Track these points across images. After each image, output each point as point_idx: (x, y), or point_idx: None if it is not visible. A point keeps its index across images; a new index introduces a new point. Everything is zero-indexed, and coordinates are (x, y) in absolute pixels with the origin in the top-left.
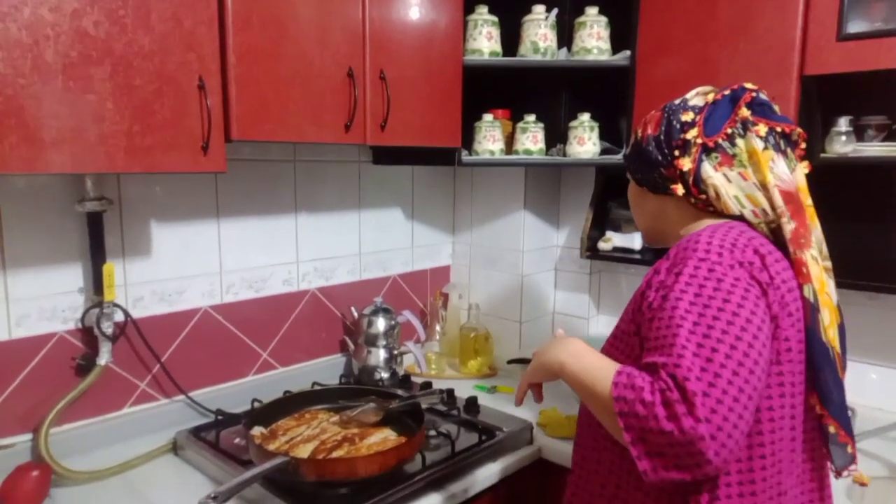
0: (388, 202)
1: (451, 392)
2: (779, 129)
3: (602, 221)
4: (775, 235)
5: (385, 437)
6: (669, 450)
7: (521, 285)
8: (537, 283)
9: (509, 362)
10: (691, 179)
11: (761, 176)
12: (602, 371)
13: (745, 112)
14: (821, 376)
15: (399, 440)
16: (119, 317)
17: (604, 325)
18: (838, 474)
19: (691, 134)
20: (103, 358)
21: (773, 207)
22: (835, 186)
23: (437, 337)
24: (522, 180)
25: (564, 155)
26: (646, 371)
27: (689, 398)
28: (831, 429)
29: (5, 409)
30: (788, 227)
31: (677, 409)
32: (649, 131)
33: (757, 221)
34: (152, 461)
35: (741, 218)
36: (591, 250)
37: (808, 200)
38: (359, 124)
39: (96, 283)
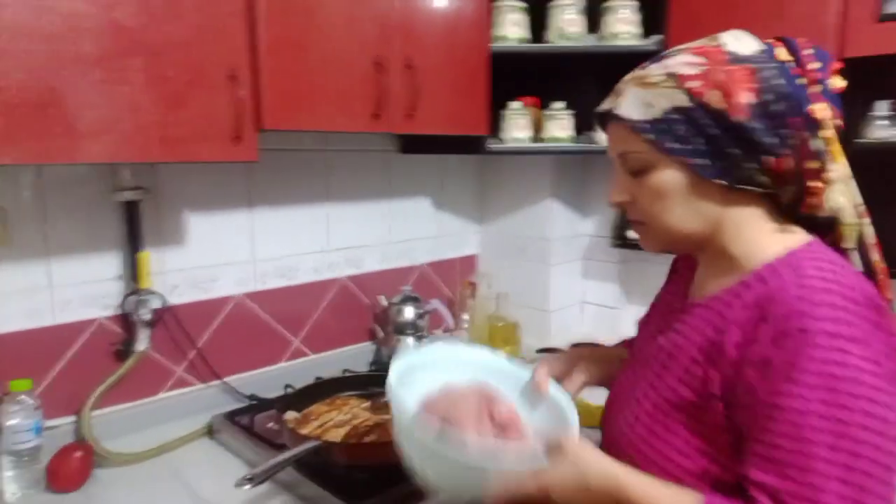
0: (416, 191)
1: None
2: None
3: None
4: (864, 235)
5: None
6: None
7: (549, 275)
8: (565, 272)
9: (538, 351)
10: (816, 185)
11: (846, 161)
12: (679, 501)
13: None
14: None
15: None
16: (156, 304)
17: (634, 315)
18: None
19: (824, 111)
20: (141, 344)
21: (858, 205)
22: (872, 173)
23: (465, 326)
24: (550, 168)
25: (593, 142)
26: (743, 498)
27: None
28: None
29: (50, 393)
30: (869, 229)
31: None
32: (743, 97)
33: (851, 223)
34: (189, 444)
35: (828, 225)
36: (621, 239)
37: None
38: (386, 113)
39: (133, 271)
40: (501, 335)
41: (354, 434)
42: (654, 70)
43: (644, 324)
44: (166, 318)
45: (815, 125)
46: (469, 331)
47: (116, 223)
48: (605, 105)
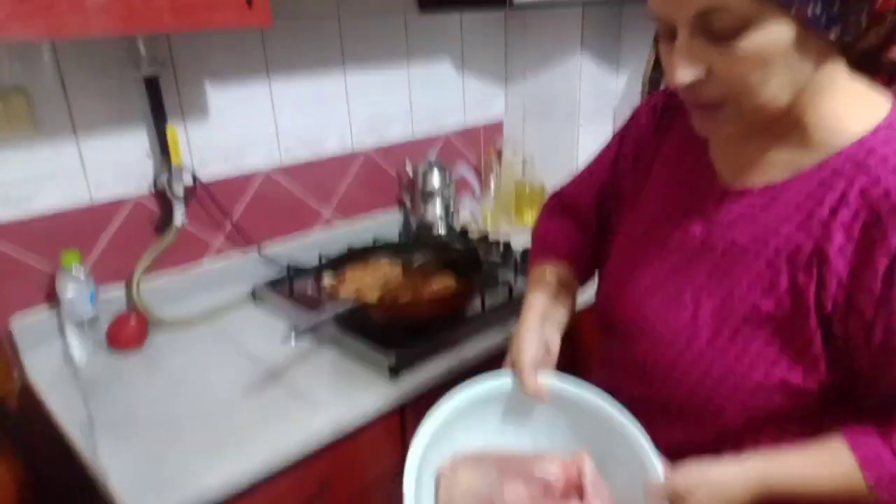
0: (437, 54)
1: (507, 244)
2: None
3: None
4: None
5: (446, 284)
6: None
7: (578, 135)
8: (595, 132)
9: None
10: None
11: None
12: (834, 472)
13: None
14: None
15: (460, 286)
16: (188, 179)
17: None
18: None
19: None
20: (178, 219)
21: None
22: None
23: (492, 192)
24: (579, 21)
25: None
26: (883, 432)
27: None
28: None
29: (99, 265)
30: None
31: None
32: None
33: None
34: (235, 310)
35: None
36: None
37: None
38: None
39: (162, 147)
40: (528, 199)
41: (389, 294)
42: None
43: (644, 213)
44: (199, 192)
45: None
46: (495, 197)
47: (140, 101)
48: None
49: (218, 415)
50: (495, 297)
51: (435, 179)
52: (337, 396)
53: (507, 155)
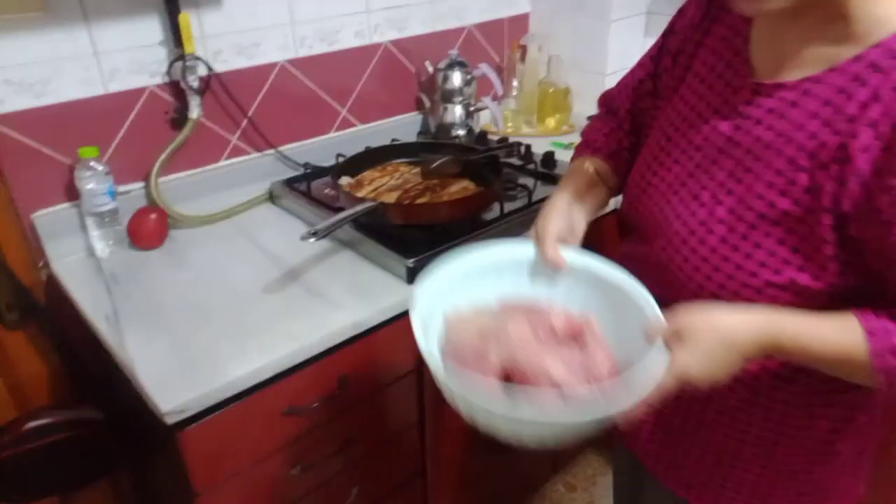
0: None
1: (528, 147)
2: None
3: None
4: None
5: (465, 187)
6: None
7: (609, 32)
8: (627, 28)
9: (590, 118)
10: None
11: None
12: (842, 339)
13: None
14: None
15: (478, 189)
16: (202, 70)
17: None
18: None
19: None
20: (194, 112)
21: None
22: None
23: (514, 93)
24: None
25: None
26: None
27: None
28: None
29: (116, 159)
30: None
31: None
32: None
33: None
34: (253, 208)
35: None
36: None
37: None
38: None
39: (175, 35)
40: (552, 102)
41: (406, 196)
42: None
43: (673, 108)
44: (214, 85)
45: None
46: (518, 98)
47: None
48: None
49: (240, 308)
50: (514, 202)
51: (455, 78)
52: (355, 296)
53: (531, 52)
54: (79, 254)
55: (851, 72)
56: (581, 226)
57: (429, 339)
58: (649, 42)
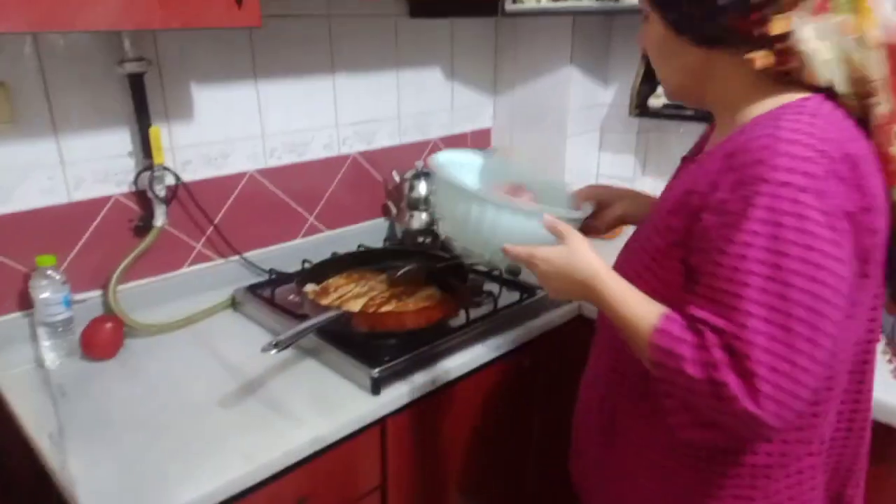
0: (427, 60)
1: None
2: None
3: (654, 76)
4: (864, 112)
5: (430, 294)
6: (718, 417)
7: (566, 146)
8: (583, 143)
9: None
10: (781, 46)
11: (861, 24)
12: (643, 309)
13: None
14: None
15: (444, 297)
16: (170, 180)
17: (649, 186)
18: None
19: None
20: (159, 220)
21: (868, 79)
22: None
23: None
24: (570, 32)
25: (617, 1)
26: (694, 329)
27: (749, 378)
28: None
29: (75, 268)
30: (881, 108)
31: (732, 391)
32: None
33: (848, 93)
34: (214, 316)
35: (825, 89)
36: (641, 107)
37: None
38: None
39: (144, 147)
40: None
41: (372, 305)
42: None
43: None
44: (181, 194)
45: None
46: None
47: (123, 97)
48: None
49: (193, 425)
50: (480, 308)
51: (421, 188)
52: (316, 409)
53: None
54: (27, 365)
55: (720, 143)
56: (617, 212)
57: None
58: (603, 156)
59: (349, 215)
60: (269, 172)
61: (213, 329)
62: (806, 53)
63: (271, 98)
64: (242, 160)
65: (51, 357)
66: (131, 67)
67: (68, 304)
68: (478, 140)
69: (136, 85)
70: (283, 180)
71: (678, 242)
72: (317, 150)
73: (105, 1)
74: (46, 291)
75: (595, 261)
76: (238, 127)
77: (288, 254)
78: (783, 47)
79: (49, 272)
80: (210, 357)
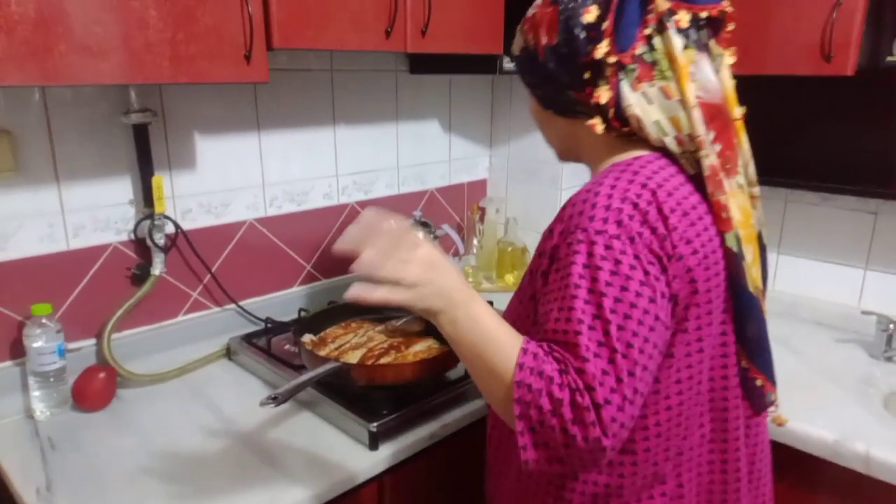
0: (426, 114)
1: (490, 304)
2: (703, 16)
3: None
4: (698, 166)
5: (429, 346)
6: (564, 450)
7: (559, 199)
8: None
9: None
10: (612, 112)
11: (681, 88)
12: (505, 344)
13: (662, 1)
14: (749, 329)
15: (442, 349)
16: (169, 228)
17: None
18: (756, 414)
19: (602, 51)
20: (157, 268)
21: (693, 136)
22: None
23: (475, 251)
24: None
25: None
26: (551, 357)
27: (596, 406)
28: (758, 382)
29: (70, 316)
30: (708, 161)
31: (585, 416)
32: (544, 40)
33: (681, 151)
34: (208, 365)
35: (664, 147)
36: None
37: (736, 111)
38: (399, 30)
39: (146, 196)
40: (510, 260)
41: (371, 356)
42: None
43: None
44: (180, 242)
45: (598, 64)
46: (478, 255)
47: (126, 146)
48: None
49: (186, 480)
50: None
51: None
52: (312, 465)
53: (490, 214)
54: (15, 416)
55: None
56: None
57: None
58: None
59: (347, 263)
60: (268, 221)
61: (208, 379)
62: (637, 117)
63: (273, 148)
64: (242, 209)
65: (40, 407)
66: (136, 118)
67: (62, 353)
68: (474, 190)
69: (141, 135)
70: (282, 229)
71: (532, 285)
72: (316, 199)
73: (116, 56)
74: (40, 340)
75: (462, 293)
76: (239, 176)
77: (284, 302)
78: (614, 113)
79: (44, 321)
80: (204, 408)
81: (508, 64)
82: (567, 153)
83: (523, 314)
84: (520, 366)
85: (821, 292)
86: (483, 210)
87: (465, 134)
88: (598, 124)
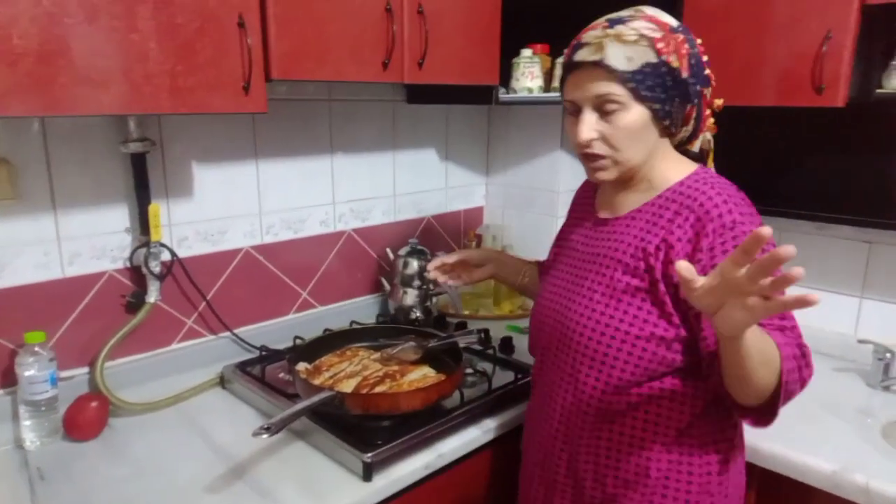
0: (423, 142)
1: (486, 331)
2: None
3: None
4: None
5: (425, 375)
6: (799, 391)
7: (556, 227)
8: None
9: None
10: (705, 124)
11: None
12: (768, 343)
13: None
14: None
15: (438, 377)
16: (165, 256)
17: None
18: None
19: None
20: (152, 296)
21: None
22: (893, 122)
23: None
24: (560, 119)
25: None
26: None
27: (810, 366)
28: None
29: (63, 344)
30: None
31: (809, 376)
32: (684, 61)
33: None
34: (202, 394)
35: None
36: None
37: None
38: (397, 62)
39: (142, 224)
40: (505, 288)
41: (366, 384)
42: (626, 30)
43: (560, 248)
44: (176, 270)
45: (709, 81)
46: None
47: (123, 175)
48: (590, 56)
49: None
50: (474, 390)
51: (414, 264)
52: (306, 497)
53: (486, 241)
54: (5, 446)
55: (655, 205)
56: (489, 272)
57: None
58: None
59: (342, 291)
60: (264, 248)
61: (201, 408)
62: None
63: (270, 176)
64: (239, 236)
65: (31, 437)
66: (135, 147)
67: (54, 381)
68: (471, 218)
69: (138, 164)
70: (279, 256)
71: (659, 280)
72: (313, 227)
73: (116, 87)
74: (32, 369)
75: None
76: (237, 204)
77: (279, 330)
78: (707, 122)
79: (37, 349)
80: (196, 438)
81: (504, 95)
82: (639, 166)
83: (635, 305)
84: (785, 357)
85: (817, 321)
86: (479, 237)
87: (461, 162)
88: (683, 133)
